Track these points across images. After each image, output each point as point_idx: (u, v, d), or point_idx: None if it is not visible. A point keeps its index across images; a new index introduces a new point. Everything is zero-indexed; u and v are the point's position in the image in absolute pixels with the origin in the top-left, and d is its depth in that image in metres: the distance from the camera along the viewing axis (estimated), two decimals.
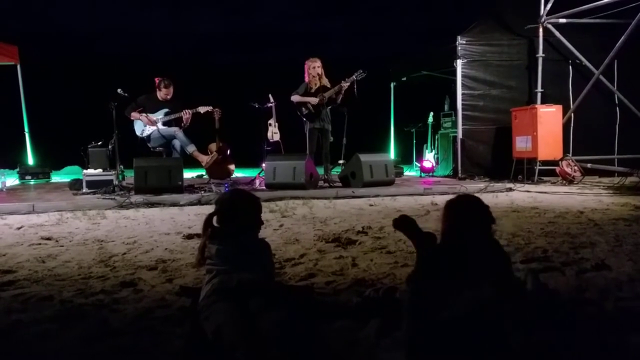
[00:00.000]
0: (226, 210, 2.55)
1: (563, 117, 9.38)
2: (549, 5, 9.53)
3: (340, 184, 8.09)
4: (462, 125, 9.92)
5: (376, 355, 2.03)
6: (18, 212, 5.98)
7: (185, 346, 2.11)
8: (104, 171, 7.75)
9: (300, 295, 2.73)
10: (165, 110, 8.17)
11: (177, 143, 8.08)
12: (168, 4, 18.54)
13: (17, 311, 2.58)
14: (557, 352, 2.02)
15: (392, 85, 13.23)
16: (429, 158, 11.22)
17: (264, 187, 7.74)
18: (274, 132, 8.97)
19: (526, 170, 9.32)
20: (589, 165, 9.36)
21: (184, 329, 2.27)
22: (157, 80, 8.22)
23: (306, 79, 8.15)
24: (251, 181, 8.56)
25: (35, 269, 3.43)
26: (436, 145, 11.48)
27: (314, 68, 8.06)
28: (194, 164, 8.82)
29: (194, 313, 2.32)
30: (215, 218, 2.55)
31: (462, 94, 9.88)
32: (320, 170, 8.30)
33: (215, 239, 2.49)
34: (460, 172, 9.86)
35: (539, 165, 9.19)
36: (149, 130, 8.11)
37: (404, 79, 12.62)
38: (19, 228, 5.01)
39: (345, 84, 7.84)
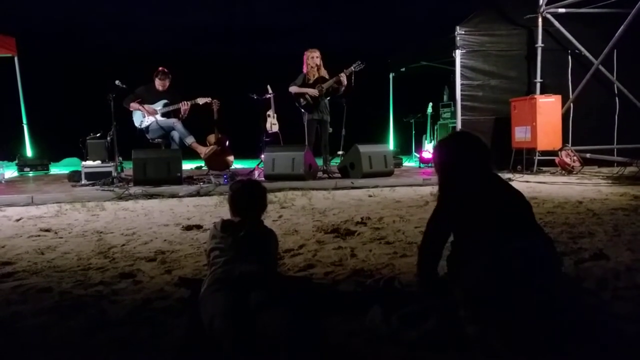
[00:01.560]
0: (245, 202, 2.57)
1: (562, 107, 9.37)
2: None
3: (339, 175, 8.09)
4: (461, 115, 9.91)
5: (398, 332, 2.05)
6: (17, 204, 5.98)
7: (184, 337, 2.12)
8: (102, 163, 7.75)
9: (300, 287, 2.73)
10: (164, 101, 8.16)
11: (175, 134, 8.07)
12: None
13: (16, 303, 2.59)
14: None
15: (391, 76, 13.21)
16: (428, 149, 11.21)
17: (263, 178, 7.73)
18: (272, 124, 8.96)
19: (525, 160, 9.32)
20: (588, 155, 9.36)
21: (183, 320, 2.28)
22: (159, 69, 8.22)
23: (304, 70, 8.12)
24: (250, 172, 8.56)
25: (34, 260, 3.44)
26: (435, 135, 11.47)
27: (312, 59, 8.03)
28: (192, 155, 8.81)
29: (193, 304, 2.33)
30: (231, 208, 2.57)
31: (461, 84, 9.86)
32: (319, 162, 8.30)
33: (227, 231, 2.50)
34: None
35: (538, 156, 9.18)
36: (147, 121, 8.10)
37: (403, 69, 12.59)
38: (17, 220, 5.02)
39: (343, 75, 7.83)
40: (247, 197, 2.60)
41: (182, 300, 2.55)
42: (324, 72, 8.08)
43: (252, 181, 2.81)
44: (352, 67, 7.81)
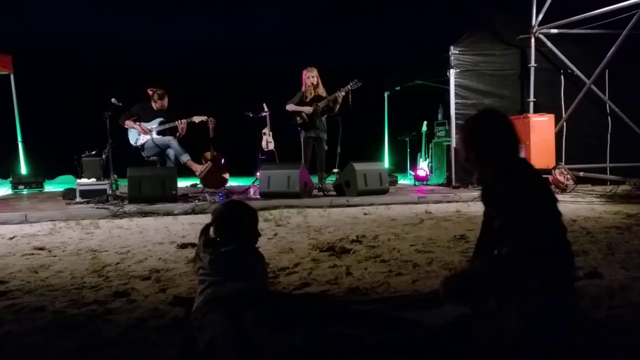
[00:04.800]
0: (223, 222, 2.56)
1: (555, 126, 9.44)
2: (540, 16, 9.62)
3: (334, 193, 8.10)
4: (456, 134, 9.95)
5: None
6: (11, 222, 5.95)
7: (178, 357, 2.11)
8: (97, 180, 7.72)
9: (300, 303, 2.71)
10: (160, 119, 8.19)
11: (171, 152, 8.08)
12: (162, 13, 18.59)
13: (8, 322, 2.56)
14: None
15: (386, 94, 13.29)
16: (423, 167, 11.24)
17: (258, 196, 7.74)
18: (268, 141, 8.97)
19: None
20: (581, 173, 9.40)
21: (178, 339, 2.26)
22: (150, 91, 8.24)
23: (303, 88, 8.18)
24: (245, 190, 8.56)
25: (27, 279, 3.41)
26: (430, 154, 11.50)
27: (308, 77, 8.10)
28: (188, 173, 8.81)
29: (187, 323, 2.32)
30: (212, 229, 2.56)
31: (456, 103, 9.91)
32: (315, 179, 8.31)
33: (209, 248, 2.49)
34: (454, 180, 9.88)
35: None
36: (143, 139, 8.11)
37: (398, 88, 12.67)
38: (11, 238, 4.99)
39: (340, 94, 7.89)
40: (226, 219, 2.59)
41: (176, 319, 2.54)
42: (321, 91, 8.14)
43: (233, 202, 2.77)
44: (348, 86, 7.87)
